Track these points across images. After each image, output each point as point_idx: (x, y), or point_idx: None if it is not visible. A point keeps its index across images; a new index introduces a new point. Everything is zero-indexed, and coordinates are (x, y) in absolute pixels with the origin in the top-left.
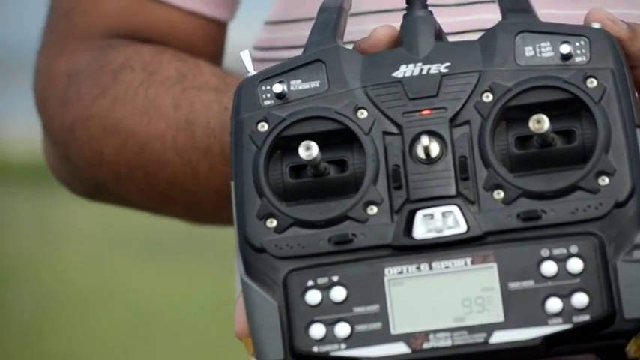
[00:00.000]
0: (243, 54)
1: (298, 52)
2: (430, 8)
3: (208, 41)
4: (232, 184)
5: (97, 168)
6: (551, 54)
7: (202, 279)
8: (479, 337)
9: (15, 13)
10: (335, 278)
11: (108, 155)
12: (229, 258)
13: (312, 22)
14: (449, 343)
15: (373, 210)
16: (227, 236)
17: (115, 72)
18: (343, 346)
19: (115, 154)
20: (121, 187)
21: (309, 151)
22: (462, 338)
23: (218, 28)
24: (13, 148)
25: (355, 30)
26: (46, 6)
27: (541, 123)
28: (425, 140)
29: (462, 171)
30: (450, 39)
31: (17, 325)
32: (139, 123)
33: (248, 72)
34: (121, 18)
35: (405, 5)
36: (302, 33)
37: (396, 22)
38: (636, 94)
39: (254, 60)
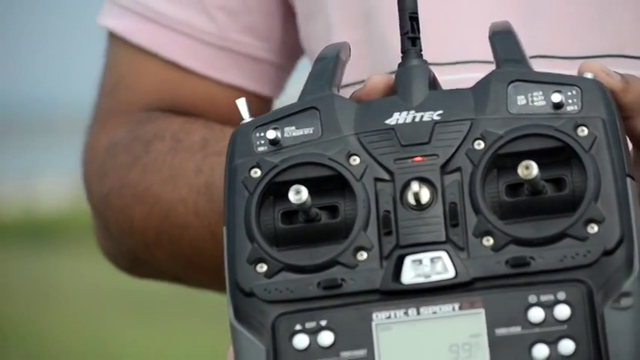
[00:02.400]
0: (238, 102)
1: None
2: None
3: None
4: (224, 229)
5: (129, 236)
6: (543, 103)
7: (194, 339)
8: None
9: (12, 76)
10: (323, 323)
11: (137, 222)
12: (221, 318)
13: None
14: None
15: (363, 255)
16: (219, 297)
17: (147, 142)
18: None
19: (144, 220)
20: (150, 255)
21: (298, 195)
22: None
23: (258, 101)
24: (7, 208)
25: None
26: (40, 68)
27: (530, 169)
28: (415, 186)
29: (452, 217)
30: None
31: None
32: (165, 189)
33: (243, 119)
34: (161, 91)
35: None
36: None
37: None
38: (629, 144)
39: None
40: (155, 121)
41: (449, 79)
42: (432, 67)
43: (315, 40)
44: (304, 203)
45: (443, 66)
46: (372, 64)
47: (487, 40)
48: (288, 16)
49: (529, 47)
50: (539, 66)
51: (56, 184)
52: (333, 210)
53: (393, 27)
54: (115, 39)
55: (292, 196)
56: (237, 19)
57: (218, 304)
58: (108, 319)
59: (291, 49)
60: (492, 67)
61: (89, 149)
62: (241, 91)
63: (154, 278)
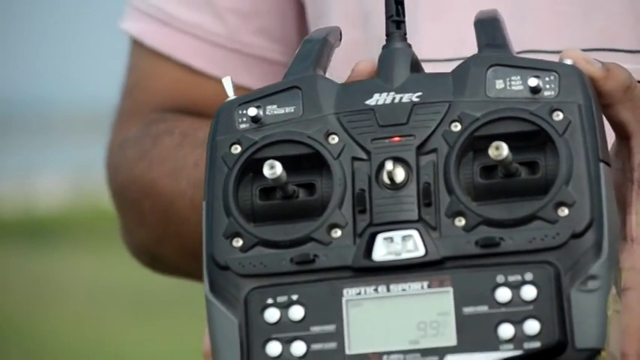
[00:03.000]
0: (224, 80)
1: None
2: (423, 63)
3: None
4: (204, 203)
5: (140, 230)
6: (520, 87)
7: (193, 337)
8: None
9: (11, 75)
10: (294, 297)
11: (147, 215)
12: None
13: None
14: None
15: (337, 232)
16: None
17: (156, 137)
18: None
19: (152, 213)
20: (160, 249)
21: (273, 169)
22: None
23: None
24: (5, 206)
25: None
26: (40, 67)
27: (500, 150)
28: (389, 165)
29: (425, 197)
30: None
31: None
32: (168, 183)
33: (228, 97)
34: (174, 93)
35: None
36: None
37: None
38: (605, 130)
39: None
40: (166, 120)
41: None
42: (428, 64)
43: None
44: (278, 178)
45: (438, 62)
46: None
47: None
48: (302, 17)
49: (519, 42)
50: None
51: (55, 182)
52: (310, 187)
53: None
54: (134, 42)
55: (266, 171)
56: (248, 21)
57: None
58: (107, 316)
59: None
60: None
61: (108, 149)
62: (250, 91)
63: (170, 274)
